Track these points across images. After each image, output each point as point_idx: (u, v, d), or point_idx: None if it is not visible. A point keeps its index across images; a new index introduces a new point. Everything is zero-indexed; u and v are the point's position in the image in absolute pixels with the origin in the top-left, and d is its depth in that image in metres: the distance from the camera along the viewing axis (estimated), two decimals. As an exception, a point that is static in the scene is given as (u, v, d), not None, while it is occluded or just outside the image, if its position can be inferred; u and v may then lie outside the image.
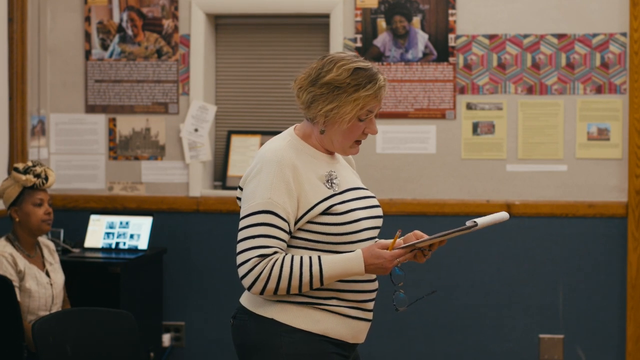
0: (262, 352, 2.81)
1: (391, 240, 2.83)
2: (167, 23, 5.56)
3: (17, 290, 4.32)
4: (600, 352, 5.33)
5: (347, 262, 2.77)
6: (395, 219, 5.33)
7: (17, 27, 5.37)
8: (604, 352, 5.33)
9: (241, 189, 2.88)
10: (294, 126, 2.94)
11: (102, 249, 5.36)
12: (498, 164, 5.37)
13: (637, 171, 5.26)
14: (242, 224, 2.78)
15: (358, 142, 2.90)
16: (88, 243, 5.38)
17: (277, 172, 2.77)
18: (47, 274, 4.51)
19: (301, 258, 2.76)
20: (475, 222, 2.76)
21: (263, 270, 2.74)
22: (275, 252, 2.76)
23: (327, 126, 2.85)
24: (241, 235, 2.78)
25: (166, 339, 5.56)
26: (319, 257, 2.77)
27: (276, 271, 2.74)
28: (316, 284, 2.77)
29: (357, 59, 2.85)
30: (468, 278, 5.39)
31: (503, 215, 2.86)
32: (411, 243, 2.80)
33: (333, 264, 2.76)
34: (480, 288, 5.38)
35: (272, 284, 2.75)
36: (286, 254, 2.77)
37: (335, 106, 2.80)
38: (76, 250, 5.28)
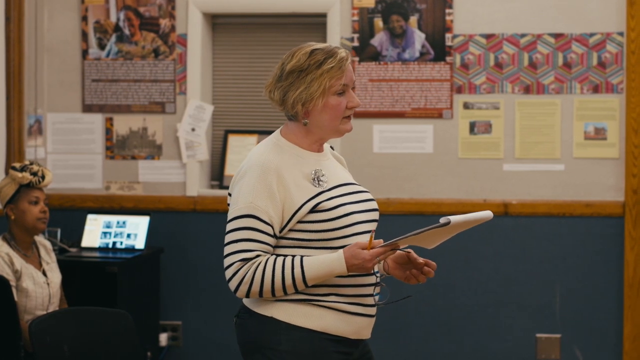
0: (262, 350, 2.83)
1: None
2: (164, 22, 5.56)
3: (14, 290, 4.32)
4: (598, 352, 5.33)
5: (329, 263, 2.77)
6: (393, 219, 5.33)
7: (14, 26, 5.37)
8: (601, 352, 5.33)
9: (230, 194, 2.91)
10: (280, 128, 2.95)
11: (99, 249, 5.36)
12: (495, 163, 5.37)
13: (634, 170, 5.26)
14: (226, 228, 2.83)
15: (347, 117, 2.90)
16: (85, 242, 5.38)
17: (259, 177, 2.79)
18: (44, 274, 4.51)
19: (283, 260, 2.78)
20: (448, 219, 2.75)
21: (246, 274, 2.77)
22: (258, 256, 2.78)
23: (307, 115, 2.86)
24: (225, 239, 2.82)
25: (163, 338, 5.56)
26: (301, 259, 2.78)
27: (259, 274, 2.77)
28: (299, 285, 2.78)
29: (314, 44, 2.88)
30: (465, 277, 5.39)
31: (485, 214, 2.85)
32: (391, 241, 2.78)
33: (315, 265, 2.77)
34: (477, 287, 5.38)
35: (255, 287, 2.78)
36: (270, 257, 2.79)
37: (304, 88, 2.82)
38: (73, 250, 5.28)
